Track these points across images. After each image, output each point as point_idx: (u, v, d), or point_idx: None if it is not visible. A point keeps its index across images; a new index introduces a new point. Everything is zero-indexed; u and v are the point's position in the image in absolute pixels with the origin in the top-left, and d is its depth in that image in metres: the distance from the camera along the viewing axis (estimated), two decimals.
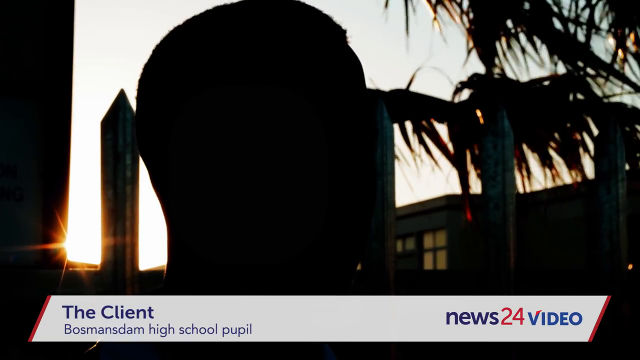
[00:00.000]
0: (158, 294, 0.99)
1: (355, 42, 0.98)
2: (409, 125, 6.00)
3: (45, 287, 2.10)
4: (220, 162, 0.91)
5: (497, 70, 6.36)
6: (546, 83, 6.18)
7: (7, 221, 3.53)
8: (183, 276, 0.97)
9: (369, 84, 6.01)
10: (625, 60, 6.18)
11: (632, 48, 6.18)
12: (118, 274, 2.08)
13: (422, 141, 6.02)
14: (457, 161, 6.03)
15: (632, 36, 6.13)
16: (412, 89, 5.99)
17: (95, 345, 0.98)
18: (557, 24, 6.33)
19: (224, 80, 0.92)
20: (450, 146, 6.01)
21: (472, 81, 6.10)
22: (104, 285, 2.08)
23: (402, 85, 6.01)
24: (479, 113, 5.83)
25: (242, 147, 0.90)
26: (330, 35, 0.94)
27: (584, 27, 6.23)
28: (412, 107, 5.86)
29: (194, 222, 0.93)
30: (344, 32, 0.96)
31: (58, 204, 3.54)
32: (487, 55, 6.28)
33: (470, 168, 6.06)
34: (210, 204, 0.92)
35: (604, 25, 6.28)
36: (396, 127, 6.04)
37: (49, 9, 3.65)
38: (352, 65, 0.95)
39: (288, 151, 0.90)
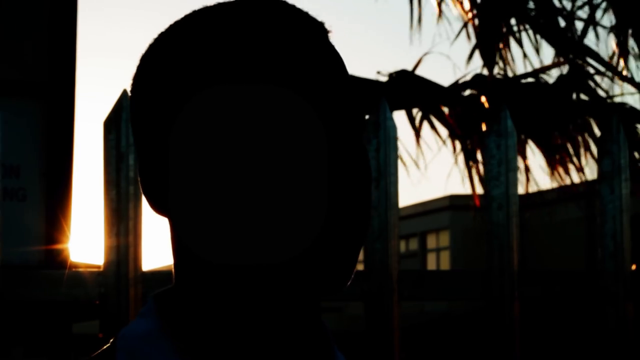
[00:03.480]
0: (169, 294, 0.99)
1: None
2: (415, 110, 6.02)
3: (48, 287, 2.10)
4: (220, 161, 0.91)
5: (500, 70, 6.35)
6: (546, 76, 6.16)
7: (10, 221, 3.52)
8: (188, 276, 0.97)
9: (373, 76, 6.02)
10: (626, 61, 6.17)
11: (635, 50, 6.16)
12: (121, 275, 2.08)
13: (429, 121, 6.03)
14: (463, 141, 6.04)
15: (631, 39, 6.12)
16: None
17: (110, 344, 0.98)
18: (562, 24, 6.32)
19: (222, 80, 0.92)
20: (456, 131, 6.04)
21: (475, 81, 6.10)
22: (107, 286, 2.08)
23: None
24: (483, 99, 5.83)
25: (241, 147, 0.90)
26: (315, 32, 0.95)
27: (589, 27, 6.21)
28: (419, 90, 5.86)
29: (193, 223, 0.93)
30: (324, 26, 0.97)
31: (61, 204, 3.54)
32: (490, 54, 6.27)
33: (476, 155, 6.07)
34: (210, 204, 0.92)
35: (607, 25, 6.25)
36: (402, 113, 6.05)
37: (52, 10, 3.65)
38: (338, 60, 0.96)
39: (288, 151, 0.90)
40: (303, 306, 0.96)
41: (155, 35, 0.99)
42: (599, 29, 6.26)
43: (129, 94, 1.00)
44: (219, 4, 0.97)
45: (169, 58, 0.96)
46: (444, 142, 6.13)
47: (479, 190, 6.22)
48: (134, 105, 0.99)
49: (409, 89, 5.85)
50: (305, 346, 0.97)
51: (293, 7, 0.96)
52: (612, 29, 6.20)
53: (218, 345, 0.95)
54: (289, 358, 0.96)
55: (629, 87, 6.26)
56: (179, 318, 0.96)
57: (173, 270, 0.99)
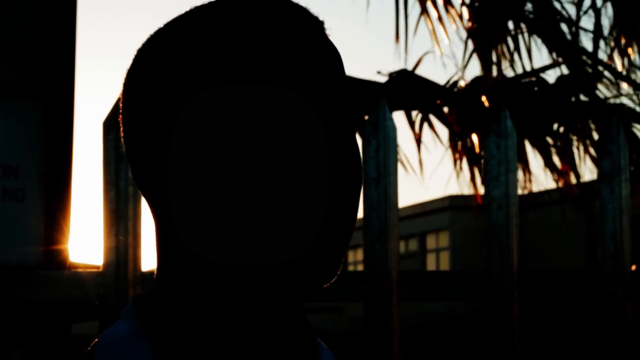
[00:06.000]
0: (149, 295, 0.98)
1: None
2: (414, 112, 6.02)
3: (47, 288, 2.10)
4: (221, 162, 0.91)
5: (499, 70, 6.35)
6: (546, 75, 6.16)
7: (9, 222, 3.52)
8: (178, 278, 0.96)
9: (372, 77, 6.03)
10: (628, 62, 6.17)
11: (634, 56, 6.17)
12: (120, 275, 2.08)
13: (429, 122, 6.03)
14: (464, 140, 6.05)
15: (630, 49, 6.12)
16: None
17: (90, 347, 0.98)
18: (561, 25, 6.32)
19: (222, 81, 0.91)
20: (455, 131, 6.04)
21: (475, 83, 6.10)
22: (106, 287, 2.08)
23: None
24: (483, 98, 5.83)
25: (242, 147, 0.90)
26: (315, 29, 0.95)
27: (599, 39, 6.21)
28: (419, 89, 5.86)
29: (195, 223, 0.93)
30: (323, 24, 0.97)
31: (60, 205, 3.53)
32: (488, 57, 6.26)
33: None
34: (211, 204, 0.91)
35: (607, 27, 6.25)
36: (401, 114, 6.05)
37: (51, 9, 3.64)
38: (336, 58, 0.96)
39: (289, 151, 0.90)
40: (292, 303, 0.96)
41: (151, 34, 0.98)
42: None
43: (121, 91, 0.99)
44: (218, 1, 0.96)
45: (166, 57, 0.95)
46: (442, 143, 6.13)
47: (480, 190, 6.22)
48: (127, 103, 0.98)
49: (408, 89, 5.85)
50: (290, 343, 0.97)
51: (291, 3, 0.95)
52: (612, 30, 6.20)
53: (201, 345, 0.94)
54: (274, 355, 0.95)
55: (628, 88, 6.24)
56: (158, 319, 0.96)
57: (156, 271, 0.99)
